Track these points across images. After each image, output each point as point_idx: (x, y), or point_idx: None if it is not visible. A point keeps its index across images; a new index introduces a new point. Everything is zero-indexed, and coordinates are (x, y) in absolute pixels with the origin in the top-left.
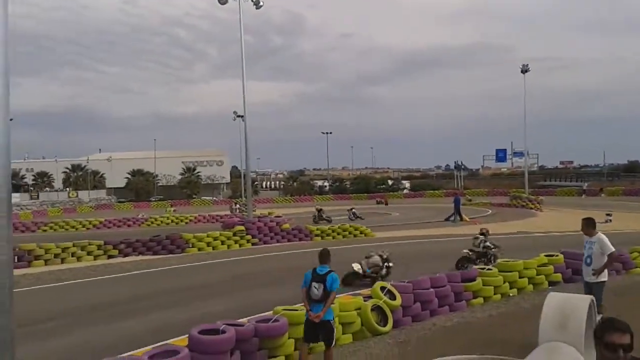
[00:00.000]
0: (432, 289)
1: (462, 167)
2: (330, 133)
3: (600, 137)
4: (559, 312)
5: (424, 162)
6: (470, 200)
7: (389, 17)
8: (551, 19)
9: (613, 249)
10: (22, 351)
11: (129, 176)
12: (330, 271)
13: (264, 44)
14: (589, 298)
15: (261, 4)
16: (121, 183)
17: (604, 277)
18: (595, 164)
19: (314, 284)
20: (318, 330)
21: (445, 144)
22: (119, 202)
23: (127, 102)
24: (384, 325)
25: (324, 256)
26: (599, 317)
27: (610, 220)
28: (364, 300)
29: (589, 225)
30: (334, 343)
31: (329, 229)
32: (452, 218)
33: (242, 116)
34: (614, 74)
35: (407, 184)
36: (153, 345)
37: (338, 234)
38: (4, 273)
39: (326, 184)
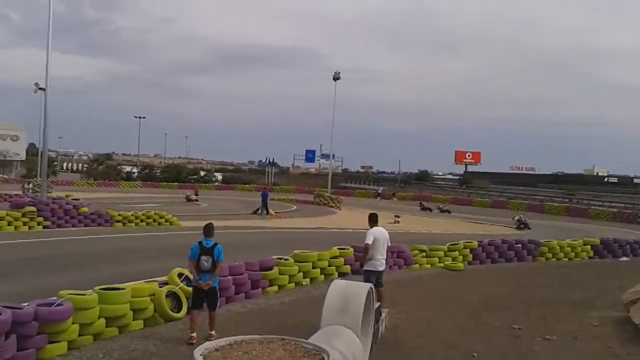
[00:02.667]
0: (229, 277)
1: (274, 164)
2: (144, 118)
3: (397, 148)
4: (341, 297)
5: (238, 156)
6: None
7: (212, 8)
8: (364, 31)
9: (366, 242)
10: None
11: None
12: (215, 244)
13: (76, 16)
14: (368, 285)
15: None
16: None
17: (367, 266)
18: (392, 171)
19: (203, 257)
20: (205, 297)
21: (260, 140)
22: None
23: None
24: (178, 312)
25: (209, 230)
26: (377, 304)
27: (399, 222)
28: (160, 287)
29: (370, 219)
30: (218, 306)
31: (132, 215)
32: (259, 211)
33: (43, 89)
34: (414, 89)
35: (219, 176)
36: None
37: (142, 221)
38: None
39: (135, 170)
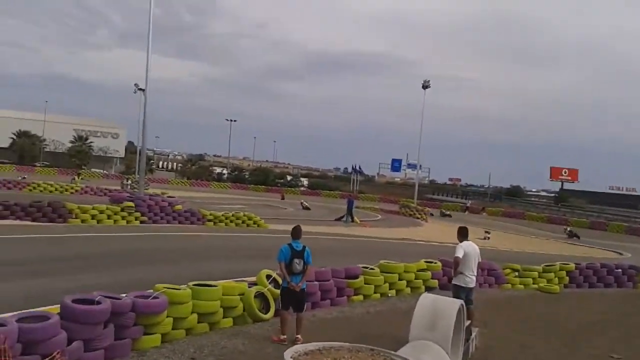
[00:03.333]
0: (315, 282)
1: (359, 171)
2: (235, 121)
3: (488, 160)
4: (430, 312)
5: (324, 162)
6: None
7: (304, 14)
8: (462, 40)
9: (456, 255)
10: None
11: (14, 136)
12: (304, 246)
13: (173, 20)
14: (459, 302)
15: None
16: (4, 143)
17: (456, 280)
18: (481, 185)
19: (295, 259)
20: (296, 298)
21: (346, 147)
22: (1, 163)
23: (17, 58)
24: (266, 313)
25: (297, 232)
26: (467, 323)
27: (489, 238)
28: (249, 287)
29: (459, 233)
30: (305, 308)
31: (222, 215)
32: (344, 219)
33: (143, 89)
34: (508, 101)
35: (305, 181)
36: (24, 310)
37: (231, 221)
38: None
39: (225, 171)
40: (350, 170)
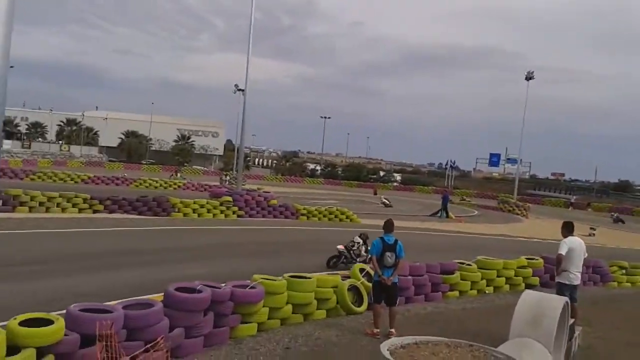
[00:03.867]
0: (409, 277)
1: (454, 166)
2: (329, 118)
3: (594, 154)
4: (533, 309)
5: (417, 158)
6: (464, 199)
7: (401, 10)
8: (565, 30)
9: (559, 252)
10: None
11: (123, 136)
12: (397, 240)
13: (272, 23)
14: (564, 299)
15: None
16: (114, 142)
17: (560, 278)
18: (586, 179)
19: (387, 253)
20: (387, 292)
21: (440, 142)
22: (110, 161)
23: (130, 64)
24: (359, 306)
25: (390, 225)
26: (571, 321)
27: (594, 234)
28: (342, 280)
29: (564, 228)
30: (397, 304)
31: (315, 209)
32: (439, 214)
33: (242, 90)
34: (615, 91)
35: (398, 177)
36: (130, 298)
37: (324, 216)
38: None
39: (318, 168)
40: (444, 165)
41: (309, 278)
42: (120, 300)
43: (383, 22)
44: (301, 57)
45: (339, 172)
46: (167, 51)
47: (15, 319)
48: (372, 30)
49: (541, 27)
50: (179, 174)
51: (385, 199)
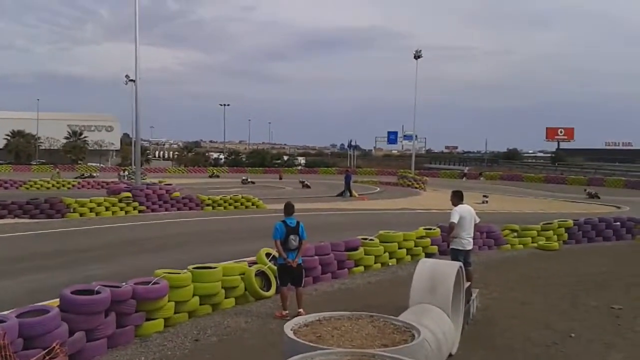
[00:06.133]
0: (315, 257)
1: (355, 146)
2: (228, 105)
3: (484, 126)
4: (429, 276)
5: (320, 140)
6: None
7: None
8: (445, 7)
9: (451, 220)
10: None
11: (9, 137)
12: (298, 222)
13: (159, 8)
14: (457, 264)
15: None
16: None
17: (453, 244)
18: (478, 151)
19: (291, 236)
20: (293, 274)
21: (341, 124)
22: None
23: (9, 59)
24: (268, 291)
25: (290, 208)
26: (467, 284)
27: (487, 202)
28: (249, 266)
29: (454, 196)
30: (303, 283)
31: (220, 199)
32: (344, 194)
33: (133, 80)
34: (500, 66)
35: (302, 160)
36: (27, 306)
37: (230, 204)
38: None
39: (222, 156)
40: (346, 146)
41: (215, 268)
42: (14, 309)
43: (275, 6)
44: (193, 44)
45: (243, 160)
46: (50, 44)
47: None
48: (265, 15)
49: (428, 6)
50: (57, 172)
51: (303, 180)
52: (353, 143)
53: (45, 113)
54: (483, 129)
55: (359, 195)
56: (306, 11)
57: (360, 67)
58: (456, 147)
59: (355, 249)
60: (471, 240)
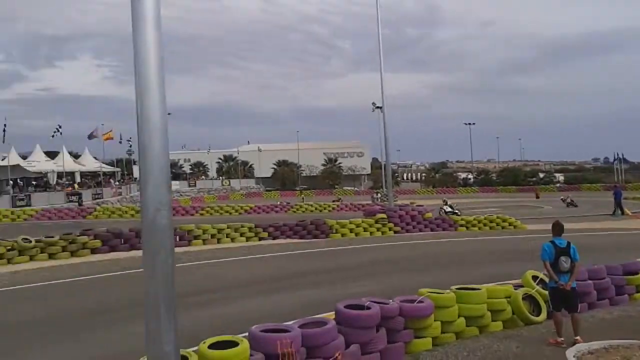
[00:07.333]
0: (589, 281)
1: (623, 159)
2: (473, 124)
3: None
4: None
5: (578, 154)
6: None
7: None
8: None
9: None
10: (184, 318)
11: (275, 166)
12: (569, 243)
13: (399, 36)
14: None
15: None
16: (268, 173)
17: None
18: None
19: (561, 257)
20: (566, 298)
21: (603, 135)
22: (267, 190)
23: (272, 97)
24: (537, 315)
25: (559, 228)
26: None
27: None
28: (515, 289)
29: None
30: (579, 309)
31: (474, 219)
32: (615, 213)
33: (380, 107)
34: None
35: (560, 177)
36: (304, 318)
37: (484, 225)
38: (167, 253)
39: (470, 176)
40: (611, 160)
41: (478, 289)
42: (295, 320)
43: (514, 18)
44: (433, 66)
45: (494, 179)
46: (301, 80)
47: (204, 342)
48: (504, 28)
49: None
50: (302, 195)
51: (565, 198)
52: (620, 156)
53: (304, 143)
54: None
55: (632, 213)
56: (547, 19)
57: (616, 73)
58: None
59: (635, 273)
60: None
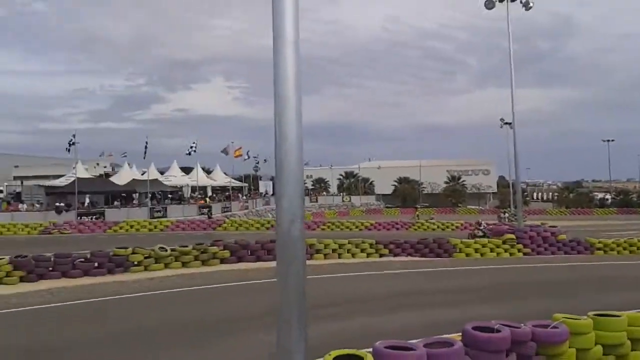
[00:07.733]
0: None
1: None
2: (613, 141)
3: None
4: None
5: None
6: None
7: None
8: None
9: None
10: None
11: (396, 183)
12: None
13: (528, 50)
14: None
15: (531, 5)
16: (388, 190)
17: None
18: None
19: None
20: None
21: None
22: (387, 207)
23: (390, 114)
24: None
25: None
26: None
27: None
28: None
29: None
30: None
31: (612, 242)
32: None
33: (509, 123)
34: None
35: None
36: (428, 337)
37: (624, 249)
38: (299, 260)
39: (608, 196)
40: None
41: (618, 316)
42: (420, 339)
43: None
44: (565, 80)
45: (634, 199)
46: (422, 97)
47: (330, 354)
48: None
49: None
50: (417, 214)
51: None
52: None
53: (426, 160)
54: None
55: None
56: None
57: None
58: None
59: None
60: None
